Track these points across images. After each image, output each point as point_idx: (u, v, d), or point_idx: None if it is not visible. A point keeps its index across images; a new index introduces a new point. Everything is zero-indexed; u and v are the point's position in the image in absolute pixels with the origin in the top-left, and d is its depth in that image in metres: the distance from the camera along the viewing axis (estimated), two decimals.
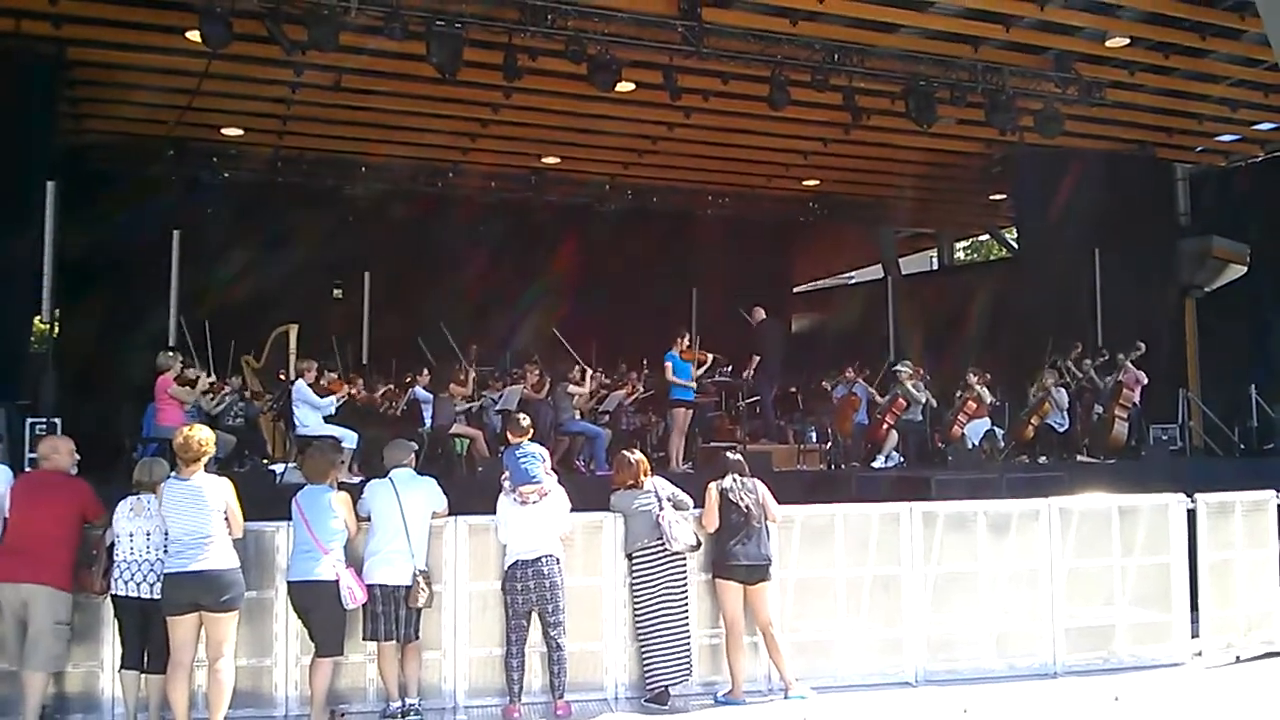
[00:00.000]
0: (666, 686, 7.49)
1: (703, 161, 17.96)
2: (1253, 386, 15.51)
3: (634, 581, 7.64)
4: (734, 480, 7.81)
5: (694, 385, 12.96)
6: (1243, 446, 15.44)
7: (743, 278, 19.71)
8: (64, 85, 13.29)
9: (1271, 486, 9.14)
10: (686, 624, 7.63)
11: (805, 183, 19.62)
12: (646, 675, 7.54)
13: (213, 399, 11.54)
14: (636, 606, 7.62)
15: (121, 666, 6.80)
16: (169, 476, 6.71)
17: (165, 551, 6.58)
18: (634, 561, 7.64)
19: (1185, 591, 8.60)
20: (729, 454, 8.32)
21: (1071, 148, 16.21)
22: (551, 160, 17.65)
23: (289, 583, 7.02)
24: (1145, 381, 14.37)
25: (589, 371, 13.37)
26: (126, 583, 6.62)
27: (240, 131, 15.78)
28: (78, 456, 7.10)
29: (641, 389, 14.71)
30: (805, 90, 13.38)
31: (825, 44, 13.03)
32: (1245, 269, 16.70)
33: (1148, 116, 15.76)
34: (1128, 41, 13.27)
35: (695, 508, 7.83)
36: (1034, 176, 17.48)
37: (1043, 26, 12.97)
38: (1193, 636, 8.63)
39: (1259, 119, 16.28)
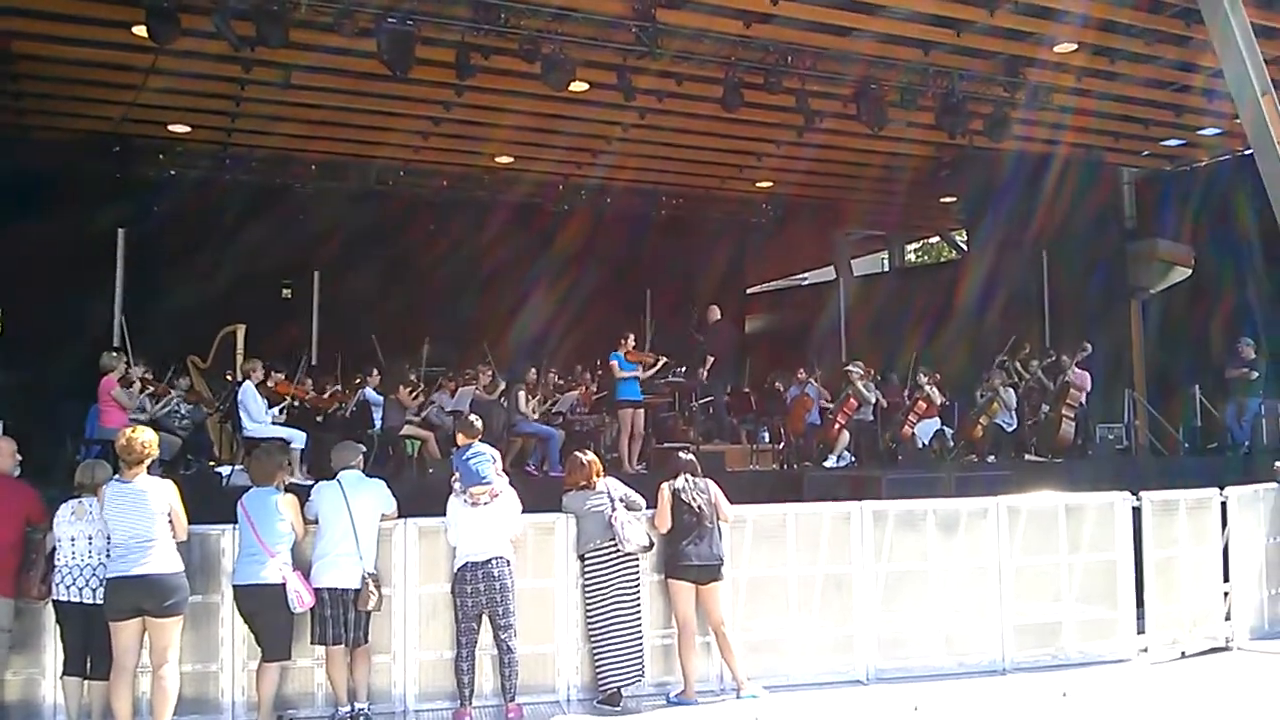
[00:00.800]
0: (619, 687, 7.47)
1: (657, 162, 17.94)
2: (1196, 387, 15.76)
3: (586, 582, 7.62)
4: (686, 480, 7.81)
5: (638, 381, 12.99)
6: (1187, 445, 15.69)
7: (696, 278, 19.77)
8: (7, 79, 13.05)
9: (1215, 485, 9.28)
10: (639, 625, 7.61)
11: (758, 184, 19.70)
12: (599, 676, 7.52)
13: (157, 401, 11.37)
14: (589, 608, 7.59)
15: (63, 673, 6.68)
16: (111, 479, 6.59)
17: (108, 555, 6.47)
18: (586, 563, 7.62)
19: (1131, 588, 8.73)
20: (681, 454, 8.32)
21: (1020, 151, 16.40)
22: (505, 160, 17.55)
23: (235, 586, 6.92)
24: (1089, 387, 14.57)
25: (535, 397, 13.30)
26: (68, 588, 6.51)
27: (187, 128, 15.54)
28: (19, 458, 6.97)
29: (595, 390, 14.68)
30: (758, 92, 13.43)
31: (778, 46, 13.07)
32: (1189, 271, 16.98)
33: (1095, 121, 15.93)
34: (1075, 47, 13.41)
35: (648, 508, 7.82)
36: (983, 180, 17.69)
37: (992, 32, 13.08)
38: (1139, 633, 8.76)
39: (1203, 124, 16.53)
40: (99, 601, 6.43)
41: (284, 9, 10.95)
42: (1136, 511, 8.78)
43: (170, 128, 15.46)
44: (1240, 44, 11.26)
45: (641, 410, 13.08)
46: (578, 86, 12.99)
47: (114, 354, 11.00)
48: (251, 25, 10.97)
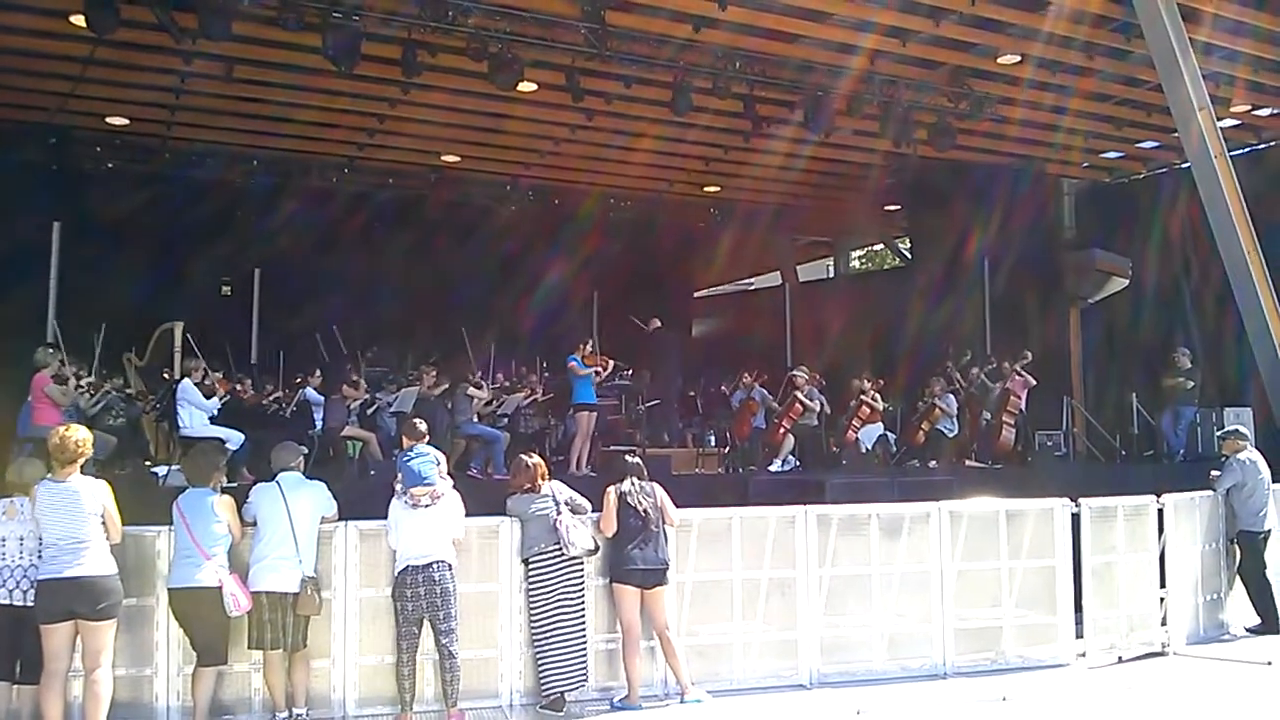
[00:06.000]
0: (562, 692, 7.42)
1: (605, 164, 17.92)
2: (1134, 395, 16.03)
3: (530, 586, 7.55)
4: (632, 484, 7.78)
5: (593, 385, 12.97)
6: (1124, 453, 15.94)
7: (644, 282, 19.75)
8: None
9: (1152, 491, 9.42)
10: (583, 629, 7.56)
11: (706, 189, 19.77)
12: (542, 681, 7.46)
13: (91, 398, 11.12)
14: (532, 612, 7.53)
15: None
16: (44, 478, 6.41)
17: (39, 557, 6.30)
18: (530, 566, 7.55)
19: (1070, 594, 8.82)
20: (628, 458, 8.26)
21: (963, 161, 16.60)
22: (451, 159, 17.46)
23: (170, 589, 6.78)
24: (1034, 383, 14.74)
25: (485, 383, 13.25)
26: None
27: (126, 121, 15.29)
28: None
29: (540, 392, 14.61)
30: (707, 97, 13.48)
31: (726, 52, 13.13)
32: (1127, 281, 17.29)
33: (1036, 132, 16.20)
34: (1018, 59, 13.62)
35: (594, 512, 7.77)
36: (927, 188, 17.91)
37: (937, 42, 13.24)
38: (1077, 637, 8.84)
39: (1141, 137, 16.90)
40: (29, 604, 6.26)
41: (228, 1, 10.77)
42: (1075, 518, 8.88)
43: (109, 120, 15.19)
44: (1179, 59, 11.50)
45: (596, 414, 13.06)
46: (525, 87, 12.96)
47: (48, 350, 10.74)
48: (193, 17, 10.81)
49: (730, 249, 21.65)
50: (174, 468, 10.30)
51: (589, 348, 13.06)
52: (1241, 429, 10.91)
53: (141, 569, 6.96)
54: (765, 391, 14.83)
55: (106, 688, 6.36)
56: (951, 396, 14.59)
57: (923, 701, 7.84)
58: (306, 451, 8.03)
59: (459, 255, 18.46)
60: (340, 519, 7.35)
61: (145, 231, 15.68)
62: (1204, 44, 12.35)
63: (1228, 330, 14.15)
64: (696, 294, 25.21)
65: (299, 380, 13.23)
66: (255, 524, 7.04)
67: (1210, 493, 9.99)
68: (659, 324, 15.18)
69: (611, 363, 13.56)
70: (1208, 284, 15.25)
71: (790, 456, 13.88)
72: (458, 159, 17.46)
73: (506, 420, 13.62)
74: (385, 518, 7.33)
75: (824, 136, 14.50)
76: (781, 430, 13.92)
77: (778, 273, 24.49)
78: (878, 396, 14.42)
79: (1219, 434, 11.85)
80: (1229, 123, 15.12)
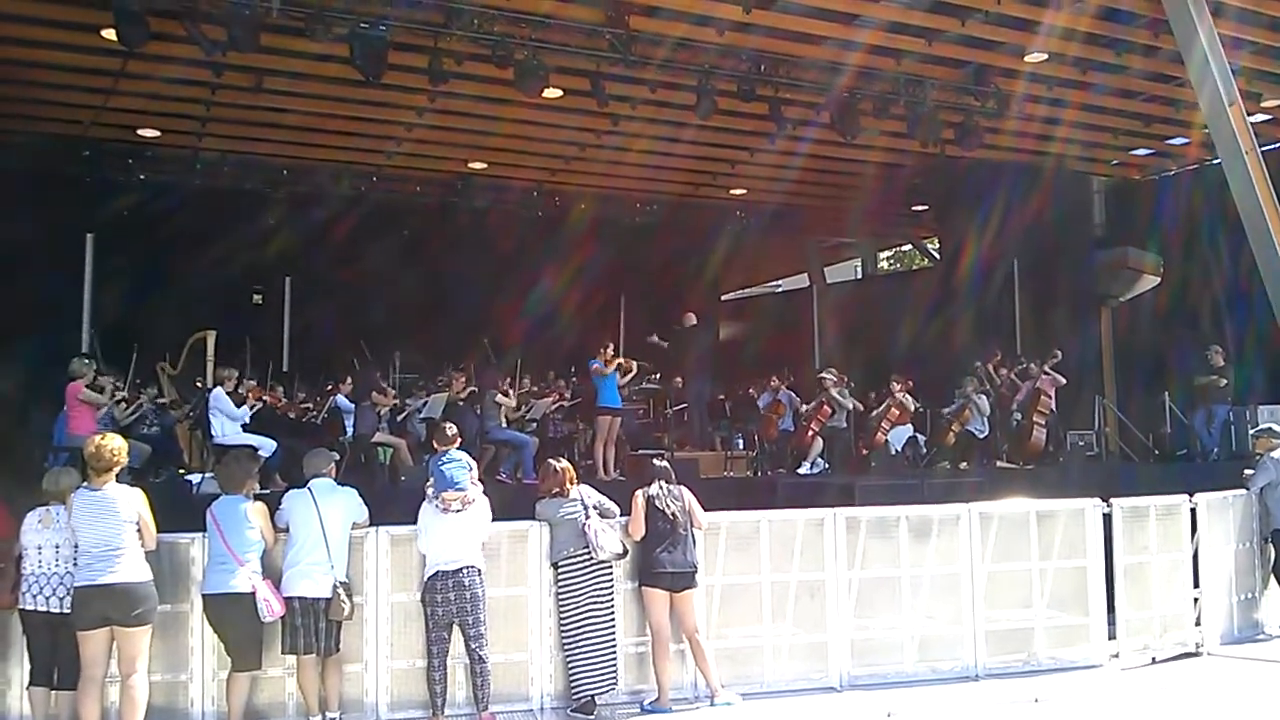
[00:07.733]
0: (592, 696, 7.43)
1: (630, 169, 17.95)
2: (1165, 394, 15.88)
3: (559, 590, 7.58)
4: (660, 487, 7.79)
5: (618, 388, 12.99)
6: (1156, 452, 15.80)
7: (670, 285, 19.75)
8: None
9: (1184, 491, 9.34)
10: (612, 633, 7.58)
11: (732, 191, 19.75)
12: (572, 685, 7.48)
13: (126, 407, 11.25)
14: (562, 615, 7.55)
15: (30, 683, 6.57)
16: (80, 486, 6.50)
17: (75, 564, 6.38)
18: (559, 570, 7.58)
19: (1102, 594, 8.75)
20: (656, 461, 8.28)
21: (991, 160, 16.51)
22: (478, 165, 17.54)
23: (204, 595, 6.84)
24: (1064, 381, 14.62)
25: (513, 390, 13.30)
26: (35, 596, 6.41)
27: (157, 133, 15.46)
28: None
29: (569, 397, 14.65)
30: (732, 100, 13.48)
31: (751, 54, 13.13)
32: (1158, 280, 17.14)
33: (1064, 130, 16.07)
34: (1046, 57, 13.54)
35: (622, 515, 7.79)
36: (954, 188, 17.82)
37: (964, 41, 13.19)
38: (1110, 638, 8.78)
39: (1172, 134, 16.75)
40: (66, 611, 6.34)
41: (256, 14, 10.89)
42: (1107, 518, 8.81)
43: (140, 132, 15.36)
44: (1208, 54, 11.40)
45: (620, 418, 13.08)
46: (551, 93, 13.00)
47: (84, 360, 10.88)
48: (223, 30, 10.92)
49: (757, 251, 21.61)
50: (208, 475, 10.40)
51: (609, 351, 13.09)
52: (1275, 427, 10.76)
53: (176, 575, 7.04)
54: (792, 394, 14.81)
55: (143, 693, 6.44)
56: (983, 397, 14.49)
57: (954, 703, 7.81)
58: (338, 458, 8.10)
59: (486, 261, 18.55)
60: (371, 524, 7.39)
61: (177, 241, 15.84)
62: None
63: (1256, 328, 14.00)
64: (724, 297, 25.19)
65: (330, 388, 13.33)
66: (288, 530, 7.09)
67: (1244, 492, 9.88)
68: (694, 320, 15.20)
69: (636, 364, 13.57)
70: (1240, 280, 15.08)
71: (819, 459, 13.87)
72: (484, 166, 17.54)
73: (535, 425, 13.67)
74: (416, 523, 7.39)
75: (850, 138, 14.45)
76: (810, 433, 13.90)
77: (805, 274, 24.43)
78: (907, 398, 14.34)
79: (1252, 432, 11.73)
80: (1260, 118, 14.96)
